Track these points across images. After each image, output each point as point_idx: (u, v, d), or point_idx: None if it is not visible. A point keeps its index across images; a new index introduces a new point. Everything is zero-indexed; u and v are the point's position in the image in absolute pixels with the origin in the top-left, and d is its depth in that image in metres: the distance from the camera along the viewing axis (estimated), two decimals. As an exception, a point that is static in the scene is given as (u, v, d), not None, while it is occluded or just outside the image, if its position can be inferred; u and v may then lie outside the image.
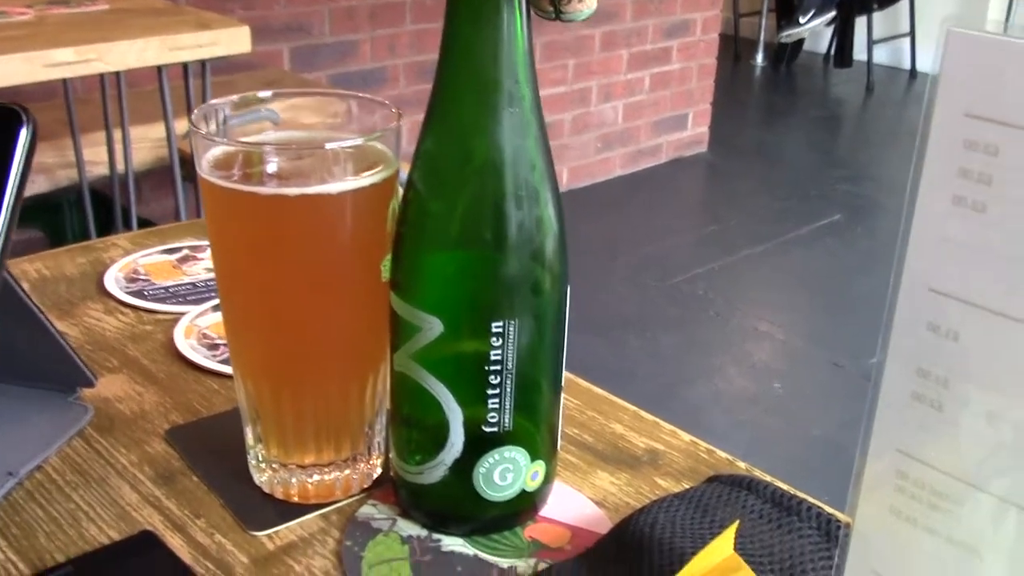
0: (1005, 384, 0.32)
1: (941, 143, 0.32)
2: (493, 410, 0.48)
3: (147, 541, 0.50)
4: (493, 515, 0.51)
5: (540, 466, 0.51)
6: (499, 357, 0.47)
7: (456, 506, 0.51)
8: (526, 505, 0.52)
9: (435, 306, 0.47)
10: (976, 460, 0.33)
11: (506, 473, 0.49)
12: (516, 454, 0.49)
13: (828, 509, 0.50)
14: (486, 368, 0.47)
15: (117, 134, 1.62)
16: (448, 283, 0.48)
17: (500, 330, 0.46)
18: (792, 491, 0.52)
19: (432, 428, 0.49)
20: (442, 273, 0.48)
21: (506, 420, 0.48)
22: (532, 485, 0.51)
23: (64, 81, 1.51)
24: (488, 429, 0.48)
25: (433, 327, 0.47)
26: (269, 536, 0.51)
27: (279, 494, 0.54)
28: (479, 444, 0.49)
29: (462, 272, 0.48)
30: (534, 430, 0.50)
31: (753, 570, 0.42)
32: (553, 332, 0.49)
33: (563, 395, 0.52)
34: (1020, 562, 0.33)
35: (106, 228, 1.78)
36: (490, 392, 0.47)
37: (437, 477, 0.50)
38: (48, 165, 1.73)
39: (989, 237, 0.31)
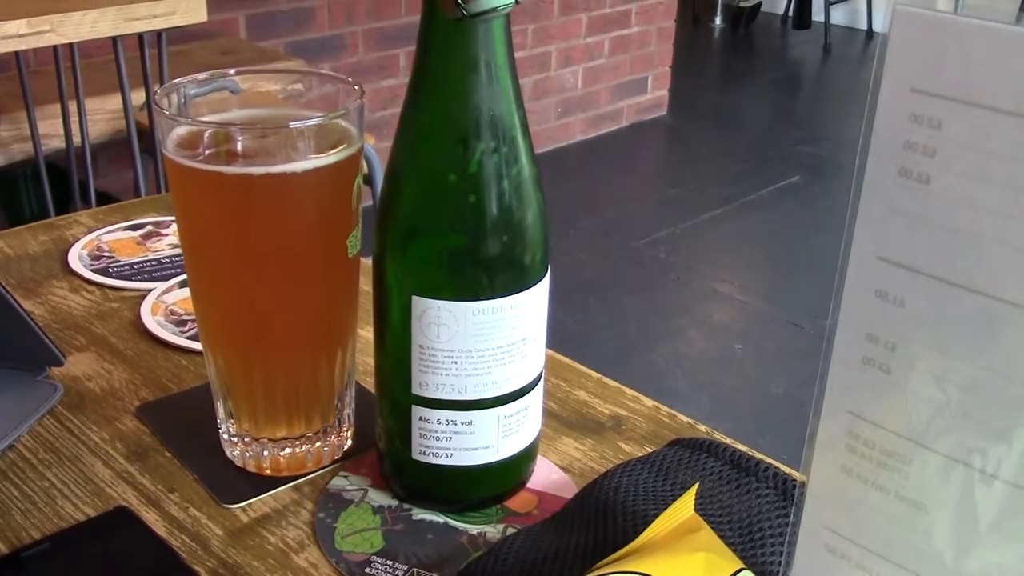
0: (949, 348, 0.34)
1: (888, 116, 0.34)
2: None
3: (122, 516, 0.51)
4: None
5: None
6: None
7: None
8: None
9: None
10: (923, 420, 0.35)
11: None
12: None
13: (785, 468, 0.52)
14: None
15: (72, 106, 1.59)
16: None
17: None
18: (750, 452, 0.53)
19: None
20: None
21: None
22: None
23: (16, 53, 1.49)
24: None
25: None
26: (243, 508, 0.52)
27: (251, 467, 0.55)
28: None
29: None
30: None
31: (713, 529, 0.44)
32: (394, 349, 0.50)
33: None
34: (964, 516, 0.35)
35: (64, 202, 1.76)
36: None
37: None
38: (3, 139, 1.71)
39: (933, 207, 0.33)
